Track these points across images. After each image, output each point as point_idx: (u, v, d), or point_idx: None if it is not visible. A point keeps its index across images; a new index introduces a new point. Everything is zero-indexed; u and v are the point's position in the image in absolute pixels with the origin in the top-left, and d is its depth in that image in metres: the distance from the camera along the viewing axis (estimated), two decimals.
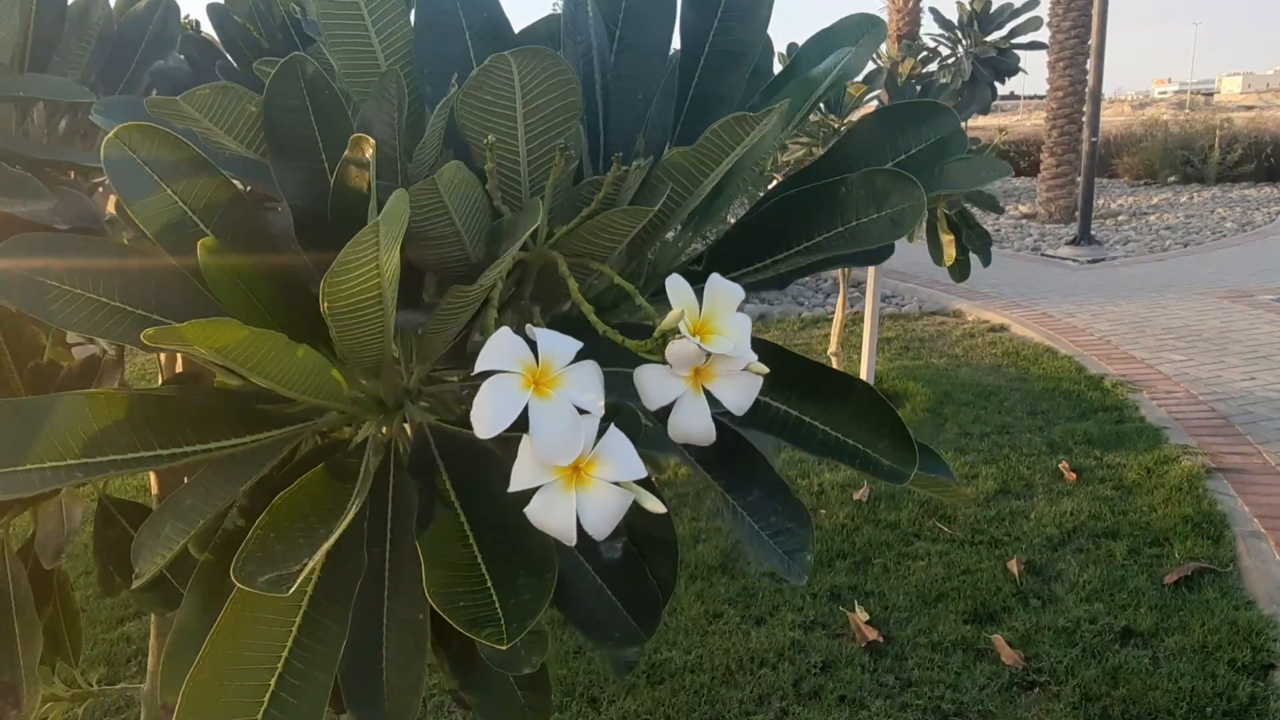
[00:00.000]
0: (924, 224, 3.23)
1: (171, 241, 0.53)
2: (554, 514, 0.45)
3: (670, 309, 0.49)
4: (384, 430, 0.63)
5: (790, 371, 0.60)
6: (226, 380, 0.89)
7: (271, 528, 0.50)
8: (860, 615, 2.63)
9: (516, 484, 0.45)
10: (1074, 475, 3.50)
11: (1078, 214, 9.15)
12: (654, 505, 0.47)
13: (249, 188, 1.02)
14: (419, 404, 0.62)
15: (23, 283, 0.55)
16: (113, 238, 0.96)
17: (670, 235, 0.68)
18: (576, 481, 0.46)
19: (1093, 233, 8.91)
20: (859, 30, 0.70)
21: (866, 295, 4.09)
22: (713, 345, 0.49)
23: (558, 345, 0.47)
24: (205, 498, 0.57)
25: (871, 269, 4.04)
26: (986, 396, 4.42)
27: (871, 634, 2.54)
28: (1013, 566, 2.86)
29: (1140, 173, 13.96)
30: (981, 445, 3.83)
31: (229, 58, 1.16)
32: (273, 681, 0.52)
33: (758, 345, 0.58)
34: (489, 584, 0.49)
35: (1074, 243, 8.73)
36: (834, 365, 4.07)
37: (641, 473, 0.46)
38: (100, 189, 1.19)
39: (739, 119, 0.51)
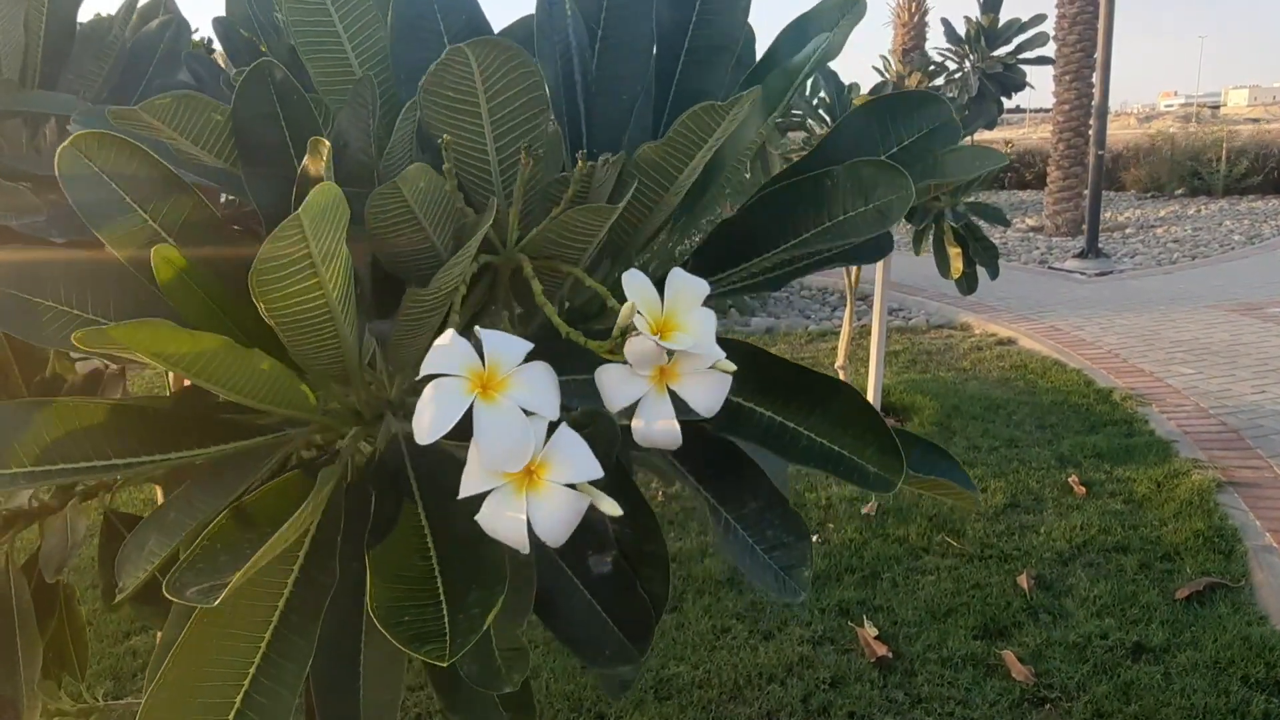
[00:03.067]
0: (931, 237, 3.23)
1: (135, 255, 0.52)
2: (504, 520, 0.43)
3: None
4: (365, 442, 0.62)
5: (772, 375, 0.58)
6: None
7: (219, 538, 0.49)
8: (869, 630, 2.61)
9: (466, 490, 0.43)
10: (1083, 489, 3.48)
11: (1085, 227, 9.12)
12: (610, 507, 0.44)
13: (237, 201, 1.01)
14: (399, 415, 0.60)
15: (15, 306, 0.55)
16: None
17: (661, 238, 0.66)
18: (529, 485, 0.43)
19: (1100, 245, 8.89)
20: (838, 11, 0.67)
21: (874, 308, 4.08)
22: (672, 341, 0.46)
23: (504, 347, 0.44)
24: (188, 511, 0.56)
25: (878, 281, 4.03)
26: (995, 410, 4.39)
27: (880, 649, 2.52)
28: (1022, 581, 2.83)
29: (1147, 185, 13.93)
30: (990, 459, 3.81)
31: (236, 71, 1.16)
32: (239, 699, 0.50)
33: (736, 346, 0.56)
34: (441, 597, 0.47)
35: (1081, 255, 8.70)
36: (841, 379, 4.04)
37: (597, 473, 0.43)
38: None
39: (707, 109, 0.49)
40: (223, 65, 1.23)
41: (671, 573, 0.69)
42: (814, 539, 3.17)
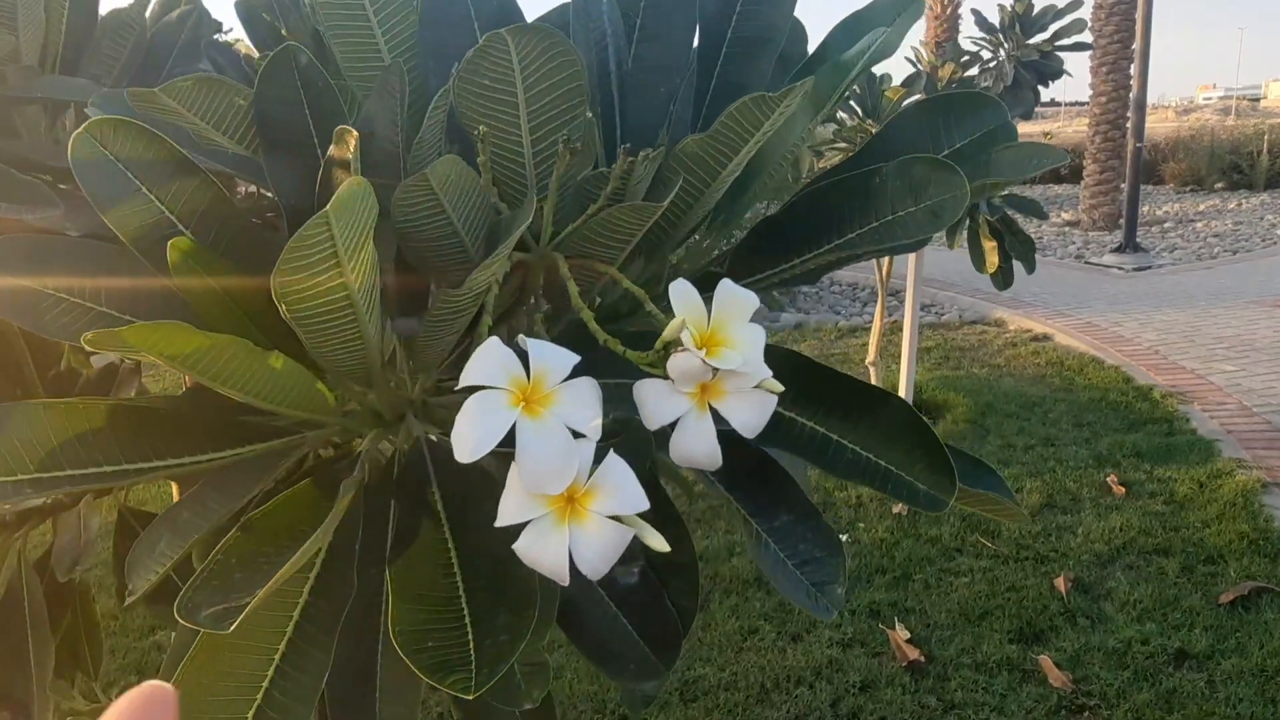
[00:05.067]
0: (965, 230, 3.16)
1: (148, 247, 0.49)
2: (545, 551, 0.41)
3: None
4: (386, 444, 0.59)
5: (818, 385, 0.55)
6: None
7: (233, 552, 0.47)
8: (900, 633, 2.56)
9: (504, 518, 0.41)
10: (1123, 489, 3.39)
11: (1122, 221, 8.94)
12: (658, 543, 0.42)
13: (257, 190, 0.99)
14: (421, 417, 0.58)
15: (13, 294, 0.53)
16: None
17: (696, 237, 0.64)
18: (571, 514, 0.41)
19: (1138, 240, 8.70)
20: (894, 9, 0.65)
21: (905, 304, 4.02)
22: (719, 360, 0.44)
23: (551, 358, 0.42)
24: (201, 512, 0.54)
25: (910, 276, 3.96)
26: (1030, 408, 4.31)
27: (912, 653, 2.47)
28: (1059, 584, 2.77)
29: (1186, 179, 13.65)
30: (1026, 458, 3.73)
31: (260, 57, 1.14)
32: (251, 715, 0.48)
33: (781, 355, 0.53)
34: (466, 620, 0.45)
35: (1119, 250, 8.52)
36: (871, 375, 3.99)
37: (643, 505, 0.41)
38: None
39: (757, 100, 0.46)
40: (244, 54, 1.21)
41: (700, 579, 0.67)
42: (843, 539, 3.12)
